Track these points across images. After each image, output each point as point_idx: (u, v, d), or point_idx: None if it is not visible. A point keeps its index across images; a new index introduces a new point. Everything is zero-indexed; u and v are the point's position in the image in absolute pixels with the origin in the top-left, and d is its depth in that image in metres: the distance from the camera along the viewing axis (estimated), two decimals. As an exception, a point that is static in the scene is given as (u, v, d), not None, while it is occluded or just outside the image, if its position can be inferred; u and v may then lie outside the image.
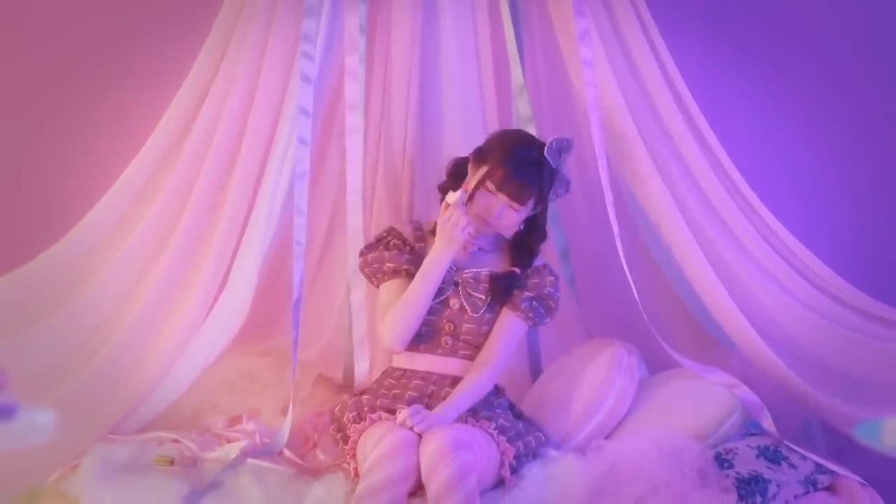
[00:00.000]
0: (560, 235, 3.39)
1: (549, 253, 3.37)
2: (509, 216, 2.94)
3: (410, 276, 2.97)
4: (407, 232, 3.07)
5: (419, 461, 2.63)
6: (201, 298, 3.09)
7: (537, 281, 3.02)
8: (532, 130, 3.30)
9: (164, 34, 3.35)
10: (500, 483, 2.78)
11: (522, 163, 2.92)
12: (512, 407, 3.03)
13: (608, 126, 3.27)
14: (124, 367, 3.00)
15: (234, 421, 3.10)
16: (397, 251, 3.02)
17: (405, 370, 3.01)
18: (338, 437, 2.93)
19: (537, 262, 3.07)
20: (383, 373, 3.07)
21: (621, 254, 3.17)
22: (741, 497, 2.73)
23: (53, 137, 3.40)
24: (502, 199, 2.92)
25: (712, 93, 3.44)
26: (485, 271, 3.02)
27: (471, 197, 2.93)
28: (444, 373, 2.97)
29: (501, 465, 2.76)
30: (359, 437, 2.78)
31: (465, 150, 3.10)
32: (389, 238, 3.06)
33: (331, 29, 3.24)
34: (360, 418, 2.87)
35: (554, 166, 2.96)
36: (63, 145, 3.40)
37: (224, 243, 3.11)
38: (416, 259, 3.00)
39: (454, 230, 2.89)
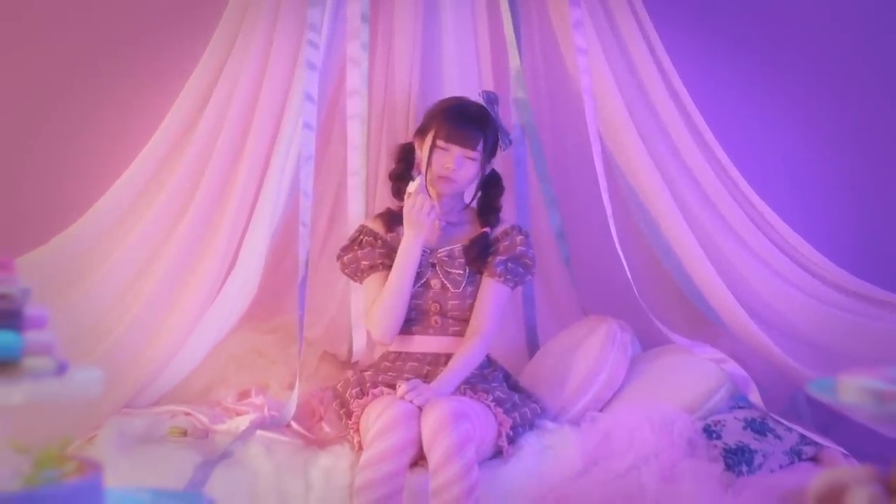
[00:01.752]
0: (556, 217, 3.45)
1: (545, 234, 3.46)
2: (468, 167, 3.02)
3: (388, 267, 3.04)
4: (377, 226, 3.13)
5: (420, 432, 2.71)
6: (211, 278, 3.15)
7: (508, 243, 3.07)
8: (530, 117, 3.39)
9: (169, 32, 3.41)
10: (498, 453, 2.85)
11: (462, 113, 3.03)
12: (507, 377, 3.09)
13: (603, 112, 3.33)
14: (138, 344, 3.07)
15: (243, 395, 3.16)
16: (370, 248, 3.08)
17: (400, 353, 3.07)
18: (341, 412, 2.99)
19: (505, 225, 3.12)
20: (381, 356, 3.13)
21: (614, 235, 3.24)
22: (728, 466, 2.80)
23: (57, 135, 3.45)
24: (455, 150, 3.00)
25: (708, 89, 3.48)
26: (458, 247, 3.08)
27: (428, 165, 3.01)
28: (438, 352, 3.04)
29: (499, 435, 2.83)
30: (361, 412, 2.85)
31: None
32: (361, 236, 3.12)
33: (335, 18, 3.30)
34: (362, 394, 2.94)
35: (491, 115, 3.07)
36: (66, 143, 3.45)
37: (233, 225, 3.17)
38: (390, 251, 3.06)
39: (420, 215, 2.96)
